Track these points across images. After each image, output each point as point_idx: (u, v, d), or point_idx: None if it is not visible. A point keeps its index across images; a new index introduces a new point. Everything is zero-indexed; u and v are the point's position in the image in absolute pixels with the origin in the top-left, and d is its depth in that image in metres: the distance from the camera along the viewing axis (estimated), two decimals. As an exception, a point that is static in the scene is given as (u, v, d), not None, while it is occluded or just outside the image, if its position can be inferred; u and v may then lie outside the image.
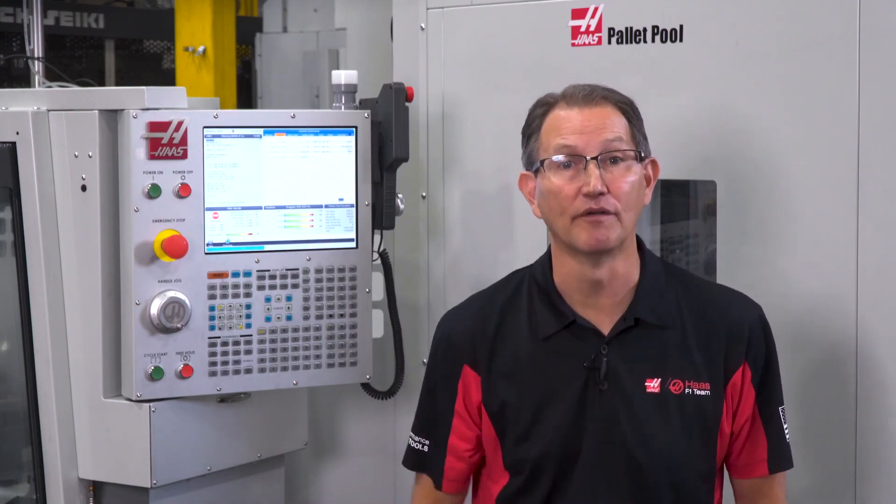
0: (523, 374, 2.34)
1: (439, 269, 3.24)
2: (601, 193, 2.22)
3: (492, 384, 2.37)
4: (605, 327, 2.32)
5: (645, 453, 2.27)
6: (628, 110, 2.30)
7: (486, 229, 3.16)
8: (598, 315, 2.32)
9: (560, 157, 2.26)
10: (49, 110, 2.85)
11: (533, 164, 2.33)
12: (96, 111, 2.77)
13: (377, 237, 2.99)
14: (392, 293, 3.08)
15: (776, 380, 2.37)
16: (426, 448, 2.47)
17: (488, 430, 2.39)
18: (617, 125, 2.27)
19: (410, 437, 2.50)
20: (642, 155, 2.30)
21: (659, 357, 2.30)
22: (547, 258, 2.39)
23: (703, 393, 2.30)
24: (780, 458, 2.37)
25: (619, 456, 2.27)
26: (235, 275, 2.81)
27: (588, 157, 2.24)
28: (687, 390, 2.29)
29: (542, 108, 2.33)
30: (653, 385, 2.29)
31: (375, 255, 2.99)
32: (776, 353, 2.38)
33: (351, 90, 2.95)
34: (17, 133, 2.85)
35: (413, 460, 2.50)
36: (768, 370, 2.35)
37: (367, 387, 3.07)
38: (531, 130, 2.34)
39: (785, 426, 2.38)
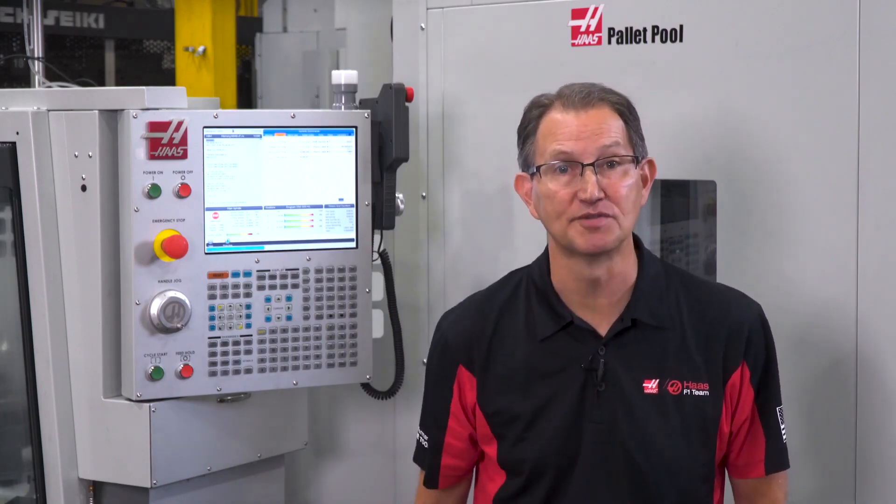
0: (521, 376, 2.34)
1: (439, 269, 3.24)
2: (598, 199, 2.22)
3: (488, 385, 2.37)
4: (603, 328, 2.32)
5: (644, 454, 2.27)
6: (625, 111, 2.29)
7: (486, 229, 3.16)
8: (596, 316, 2.32)
9: (556, 163, 2.26)
10: (49, 110, 2.85)
11: (529, 167, 2.33)
12: (96, 111, 2.77)
13: (377, 237, 2.99)
14: (392, 293, 3.08)
15: (775, 380, 2.37)
16: (426, 445, 2.48)
17: (483, 428, 2.39)
18: (614, 129, 2.26)
19: (418, 432, 2.52)
20: (639, 158, 2.30)
21: (657, 358, 2.30)
22: (545, 259, 2.39)
23: (701, 393, 2.29)
24: (776, 459, 2.37)
25: (619, 457, 2.27)
26: (235, 275, 2.81)
27: (584, 163, 2.23)
28: (685, 391, 2.29)
29: (538, 111, 2.32)
30: (651, 386, 2.29)
31: (375, 255, 2.99)
32: (775, 354, 2.38)
33: (351, 90, 2.95)
34: (17, 133, 2.85)
35: (415, 455, 2.53)
36: (767, 370, 2.35)
37: (367, 387, 3.07)
38: (527, 133, 2.33)
39: (783, 427, 2.38)
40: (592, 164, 2.23)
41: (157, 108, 2.74)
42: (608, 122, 2.26)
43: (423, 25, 3.22)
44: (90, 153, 2.78)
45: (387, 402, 3.16)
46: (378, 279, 3.02)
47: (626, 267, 2.32)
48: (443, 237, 3.23)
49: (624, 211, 2.24)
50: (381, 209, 2.94)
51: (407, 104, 2.93)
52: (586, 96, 2.27)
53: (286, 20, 6.90)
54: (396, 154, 2.92)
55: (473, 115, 3.16)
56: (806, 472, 2.65)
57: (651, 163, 2.35)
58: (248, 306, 2.82)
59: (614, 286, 2.31)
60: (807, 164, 2.67)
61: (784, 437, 2.38)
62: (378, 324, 3.03)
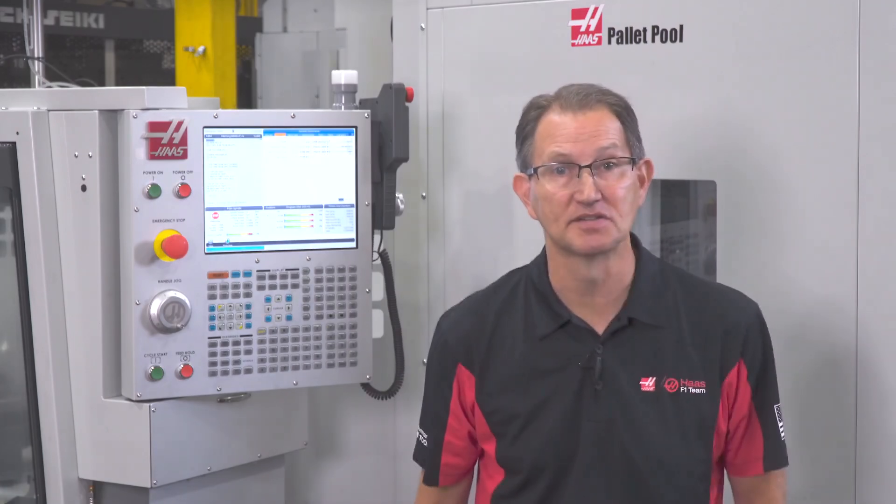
0: (519, 375, 2.34)
1: (439, 269, 3.24)
2: (595, 200, 2.22)
3: (487, 384, 2.37)
4: (600, 327, 2.32)
5: (642, 452, 2.27)
6: (623, 113, 2.30)
7: (486, 229, 3.16)
8: (593, 315, 2.33)
9: (554, 164, 2.26)
10: (49, 110, 2.85)
11: (527, 167, 2.33)
12: (96, 111, 2.77)
13: (377, 237, 2.99)
14: (392, 293, 3.08)
15: (772, 378, 2.38)
16: (426, 443, 2.48)
17: (482, 427, 2.40)
18: (611, 131, 2.26)
19: (418, 430, 2.52)
20: (636, 160, 2.30)
21: (654, 356, 2.31)
22: (543, 259, 2.39)
23: (698, 391, 2.30)
24: (775, 457, 2.38)
25: (616, 455, 2.27)
26: (235, 275, 2.81)
27: (582, 165, 2.24)
28: (682, 389, 2.29)
29: (536, 112, 2.32)
30: (648, 384, 2.30)
31: (375, 255, 2.99)
32: (772, 352, 2.38)
33: (351, 90, 2.95)
34: (17, 133, 2.85)
35: (415, 454, 2.53)
36: (764, 368, 2.35)
37: (367, 387, 3.07)
38: (525, 133, 2.34)
39: (780, 424, 2.38)
40: (589, 166, 2.23)
41: (157, 108, 2.74)
42: (605, 123, 2.27)
43: (423, 25, 3.22)
44: (90, 153, 2.78)
45: (387, 402, 3.16)
46: (378, 279, 3.03)
47: (624, 266, 2.33)
48: (443, 237, 3.23)
49: (621, 213, 2.25)
50: (381, 209, 2.94)
51: (407, 104, 2.93)
52: (584, 98, 2.28)
53: (286, 20, 6.90)
54: (396, 154, 2.92)
55: (473, 115, 3.16)
56: (805, 471, 2.65)
57: (648, 163, 2.35)
58: (248, 306, 2.82)
59: (612, 285, 2.32)
60: (807, 164, 2.67)
61: (782, 434, 2.38)
62: (378, 324, 3.03)
